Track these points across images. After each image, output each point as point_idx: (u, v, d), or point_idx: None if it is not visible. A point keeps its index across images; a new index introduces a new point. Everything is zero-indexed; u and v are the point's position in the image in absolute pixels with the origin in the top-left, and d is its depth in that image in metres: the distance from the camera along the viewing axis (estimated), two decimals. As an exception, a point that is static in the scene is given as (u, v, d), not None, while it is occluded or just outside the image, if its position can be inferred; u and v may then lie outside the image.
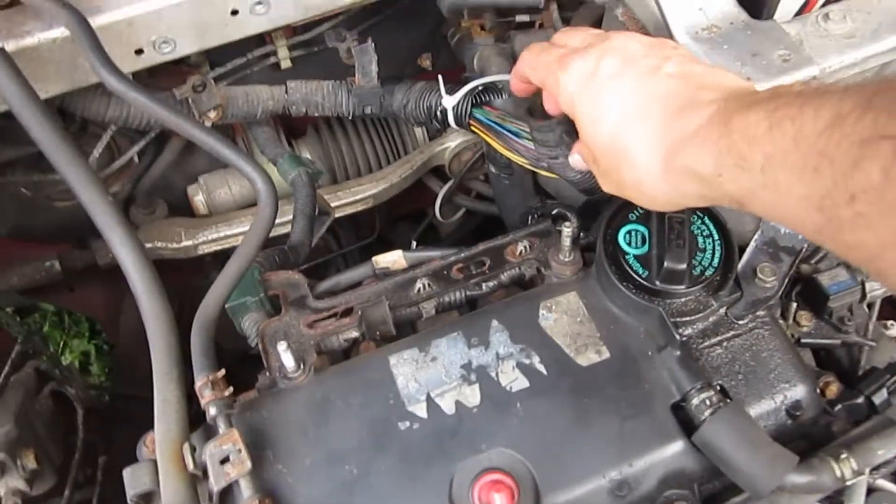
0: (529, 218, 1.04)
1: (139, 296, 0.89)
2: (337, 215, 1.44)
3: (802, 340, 0.94)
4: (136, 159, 1.48)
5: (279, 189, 1.47)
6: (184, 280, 1.73)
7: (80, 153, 0.91)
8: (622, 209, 0.87)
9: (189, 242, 1.39)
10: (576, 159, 0.83)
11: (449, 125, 1.21)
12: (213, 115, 1.18)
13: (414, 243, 1.76)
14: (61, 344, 2.22)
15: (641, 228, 0.86)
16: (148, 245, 1.40)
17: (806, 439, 0.84)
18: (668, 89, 0.64)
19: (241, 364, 0.98)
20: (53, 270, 1.35)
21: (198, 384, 0.80)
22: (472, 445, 0.78)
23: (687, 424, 0.80)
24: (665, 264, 0.81)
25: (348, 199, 1.48)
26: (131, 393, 1.50)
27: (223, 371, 0.80)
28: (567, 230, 0.85)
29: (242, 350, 1.02)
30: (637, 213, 0.86)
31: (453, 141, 1.55)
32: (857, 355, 0.99)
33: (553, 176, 1.07)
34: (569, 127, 0.88)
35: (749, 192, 0.54)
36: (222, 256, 1.75)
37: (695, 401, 0.78)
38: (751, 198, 0.54)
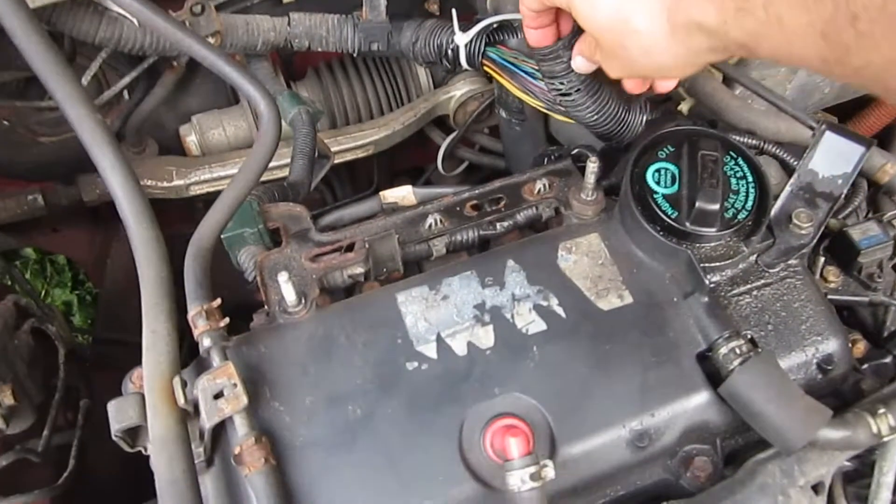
0: (546, 160, 0.98)
1: (128, 221, 0.83)
2: (336, 161, 1.37)
3: (829, 297, 0.89)
4: (125, 95, 1.41)
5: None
6: (171, 227, 1.67)
7: (69, 66, 0.84)
8: (651, 147, 0.81)
9: (180, 182, 1.33)
10: (579, 62, 0.81)
11: (460, 65, 1.15)
12: (211, 41, 1.11)
13: (413, 196, 1.70)
14: (42, 293, 2.15)
15: (671, 167, 0.80)
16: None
17: (835, 397, 0.79)
18: None
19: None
20: (36, 205, 1.28)
21: (191, 313, 0.74)
22: (484, 389, 0.73)
23: (712, 375, 0.75)
24: (696, 204, 0.76)
25: (348, 144, 1.41)
26: (116, 338, 1.44)
27: (218, 301, 0.74)
28: (592, 166, 0.80)
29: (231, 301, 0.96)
30: (667, 151, 0.81)
31: (459, 90, 1.48)
32: (882, 315, 0.95)
33: (569, 121, 1.01)
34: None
35: (754, 33, 0.54)
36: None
37: (723, 350, 0.74)
38: (757, 39, 0.55)
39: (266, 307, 0.89)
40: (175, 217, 1.58)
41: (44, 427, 1.02)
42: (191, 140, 1.41)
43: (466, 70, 1.53)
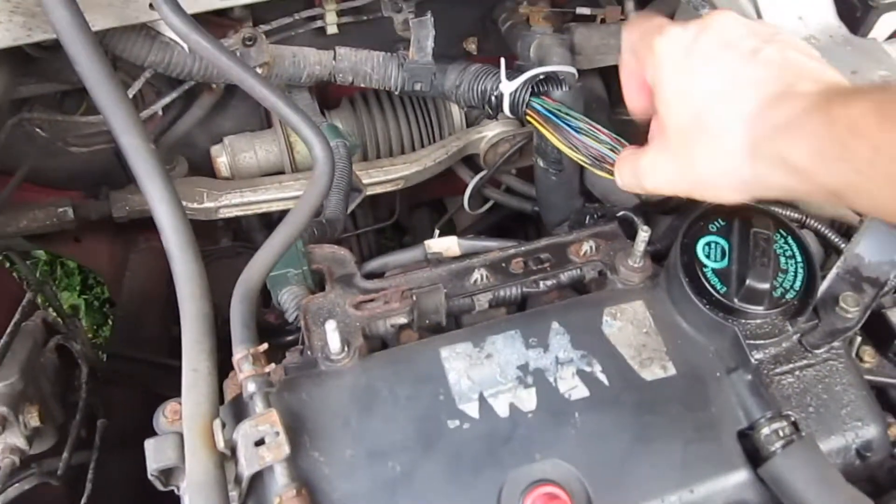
0: (588, 217, 0.99)
1: (173, 255, 0.83)
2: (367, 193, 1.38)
3: (864, 377, 0.89)
4: (160, 113, 1.41)
5: (307, 161, 1.42)
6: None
7: (125, 94, 0.84)
8: (702, 218, 0.82)
9: (211, 204, 1.32)
10: (627, 178, 0.75)
11: (502, 111, 1.16)
12: (259, 72, 1.11)
13: (437, 232, 1.70)
14: (50, 296, 2.13)
15: (722, 241, 0.80)
16: (167, 202, 1.33)
17: (870, 482, 0.79)
18: (765, 75, 0.60)
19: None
20: (66, 218, 1.27)
21: (237, 357, 0.73)
22: (525, 453, 0.73)
23: (752, 454, 0.75)
24: (747, 282, 0.76)
25: (379, 177, 1.41)
26: (130, 355, 1.43)
27: (265, 346, 0.74)
28: (643, 235, 0.80)
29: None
30: (718, 225, 0.81)
31: (491, 131, 1.49)
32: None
33: (610, 177, 1.02)
34: None
35: (851, 185, 0.51)
36: (234, 224, 1.68)
37: (765, 430, 0.73)
38: (853, 191, 0.52)
39: (300, 347, 0.89)
40: (197, 233, 1.59)
41: (61, 447, 1.01)
42: (221, 161, 1.41)
43: (485, 116, 1.55)
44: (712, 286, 0.78)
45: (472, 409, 0.75)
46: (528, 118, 1.11)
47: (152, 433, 0.75)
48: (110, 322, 2.10)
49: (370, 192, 1.41)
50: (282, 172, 1.44)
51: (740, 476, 0.74)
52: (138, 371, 1.41)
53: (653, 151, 0.70)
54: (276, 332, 1.03)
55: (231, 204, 1.34)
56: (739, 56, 0.62)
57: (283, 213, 1.60)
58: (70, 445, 0.97)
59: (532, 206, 1.52)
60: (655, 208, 1.02)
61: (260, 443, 0.69)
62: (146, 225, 1.62)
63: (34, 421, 0.89)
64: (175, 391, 1.29)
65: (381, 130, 1.46)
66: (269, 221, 1.65)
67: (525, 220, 1.76)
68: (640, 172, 0.71)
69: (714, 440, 0.75)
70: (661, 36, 0.67)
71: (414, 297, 0.79)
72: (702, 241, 0.80)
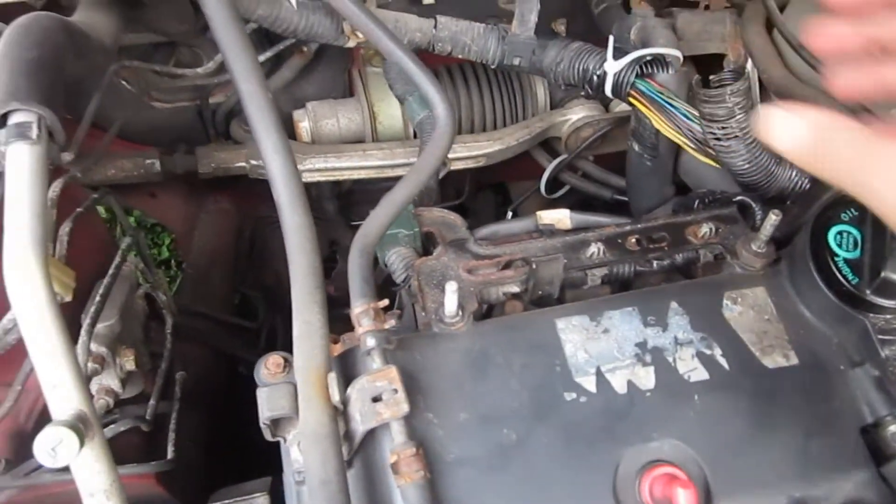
0: (696, 203, 0.96)
1: (282, 206, 0.82)
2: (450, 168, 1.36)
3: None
4: (245, 72, 1.40)
5: (392, 130, 1.41)
6: (257, 208, 1.67)
7: (249, 39, 0.83)
8: (833, 206, 0.79)
9: (295, 167, 1.31)
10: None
11: (603, 92, 1.14)
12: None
13: (510, 215, 1.68)
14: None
15: (854, 231, 0.78)
16: (252, 162, 1.33)
17: None
18: None
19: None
20: (152, 170, 1.27)
21: (356, 310, 0.72)
22: (642, 432, 0.71)
23: (874, 452, 0.72)
24: (883, 273, 0.73)
25: (462, 153, 1.39)
26: (198, 311, 1.43)
27: (385, 301, 0.72)
28: (774, 219, 0.77)
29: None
30: (851, 214, 0.78)
31: (576, 114, 1.46)
32: None
33: (713, 164, 0.99)
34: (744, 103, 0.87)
35: None
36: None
37: (891, 428, 0.71)
38: None
39: (397, 312, 0.88)
40: (265, 197, 1.58)
41: (145, 397, 1.01)
42: (304, 126, 1.40)
43: (583, 95, 1.53)
44: (843, 276, 0.75)
45: (589, 383, 0.73)
46: (632, 100, 1.09)
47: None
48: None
49: (452, 167, 1.39)
50: (361, 142, 1.43)
51: (863, 474, 0.71)
52: (205, 328, 1.41)
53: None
54: (333, 304, 1.01)
55: (314, 168, 1.33)
56: None
57: (354, 184, 1.60)
58: (156, 392, 0.96)
59: (611, 194, 1.50)
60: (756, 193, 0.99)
61: (377, 399, 0.68)
62: (219, 186, 1.63)
63: (130, 364, 0.89)
64: (240, 351, 1.28)
65: (465, 106, 1.44)
66: (340, 191, 1.64)
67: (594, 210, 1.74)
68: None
69: (836, 434, 0.73)
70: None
71: (534, 265, 0.77)
72: (833, 230, 0.78)
